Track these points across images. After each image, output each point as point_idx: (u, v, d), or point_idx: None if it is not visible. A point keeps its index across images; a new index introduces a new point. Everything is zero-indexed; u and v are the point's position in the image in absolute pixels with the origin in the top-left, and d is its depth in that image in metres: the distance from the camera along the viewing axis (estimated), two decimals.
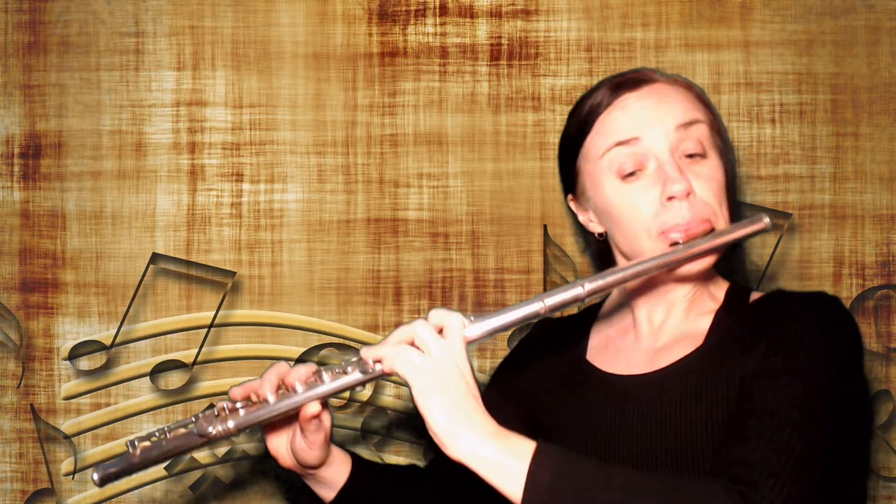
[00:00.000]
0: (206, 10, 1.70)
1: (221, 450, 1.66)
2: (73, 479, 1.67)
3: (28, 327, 1.68)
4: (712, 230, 1.21)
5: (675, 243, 1.20)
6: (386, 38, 1.69)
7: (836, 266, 1.65)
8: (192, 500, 1.67)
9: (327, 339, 1.67)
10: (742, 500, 1.00)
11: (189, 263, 1.68)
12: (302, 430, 1.20)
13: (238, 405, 1.16)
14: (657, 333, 1.28)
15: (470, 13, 1.69)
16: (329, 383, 1.14)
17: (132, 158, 1.69)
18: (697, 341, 1.23)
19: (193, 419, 1.15)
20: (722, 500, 1.00)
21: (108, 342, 1.67)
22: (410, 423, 1.67)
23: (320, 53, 1.70)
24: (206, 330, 1.67)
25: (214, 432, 1.14)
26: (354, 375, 1.13)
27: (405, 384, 1.07)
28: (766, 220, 1.22)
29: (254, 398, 1.17)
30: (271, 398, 1.15)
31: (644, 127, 1.23)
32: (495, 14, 1.68)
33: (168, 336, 1.68)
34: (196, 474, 1.66)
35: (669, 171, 1.20)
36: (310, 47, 1.70)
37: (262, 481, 1.67)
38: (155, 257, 1.68)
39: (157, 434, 1.15)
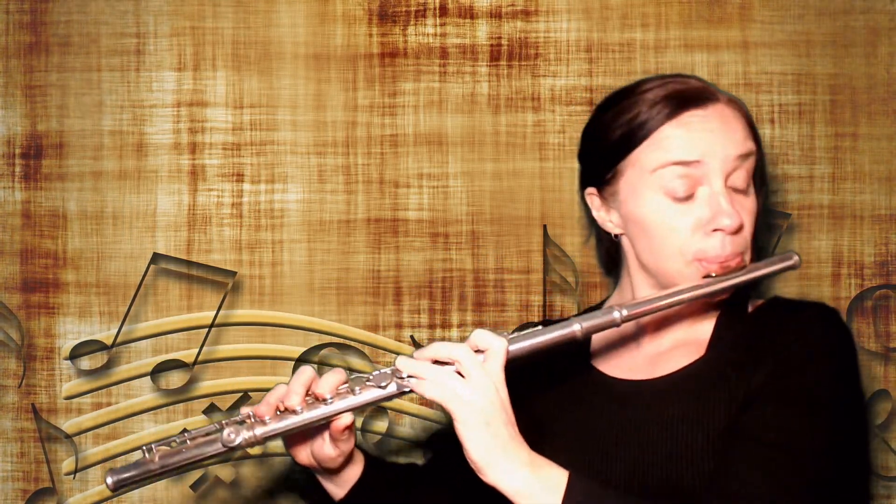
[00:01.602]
0: (207, 10, 1.70)
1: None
2: (74, 478, 1.67)
3: (29, 327, 1.69)
4: (744, 266, 1.21)
5: (709, 275, 1.19)
6: (386, 38, 1.70)
7: (834, 266, 1.66)
8: (193, 500, 1.67)
9: (328, 339, 1.67)
10: None
11: (190, 263, 1.69)
12: (332, 439, 1.18)
13: (266, 419, 1.12)
14: (658, 339, 1.28)
15: (470, 14, 1.69)
16: (361, 395, 1.12)
17: (133, 159, 1.70)
18: (699, 348, 1.23)
19: (217, 426, 1.11)
20: None
21: (108, 342, 1.67)
22: (410, 423, 1.68)
23: (321, 54, 1.70)
24: (207, 330, 1.67)
25: (240, 441, 1.09)
26: (390, 389, 1.11)
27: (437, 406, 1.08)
28: (796, 258, 1.24)
29: (280, 407, 1.14)
30: (300, 409, 1.12)
31: (706, 151, 1.19)
32: (495, 15, 1.69)
33: (169, 336, 1.68)
34: (197, 474, 1.66)
35: (723, 203, 1.18)
36: (310, 48, 1.70)
37: (263, 481, 1.68)
38: (156, 257, 1.68)
39: (177, 440, 1.10)
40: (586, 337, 1.17)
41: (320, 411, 1.12)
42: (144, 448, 1.10)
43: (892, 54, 1.66)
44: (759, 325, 1.21)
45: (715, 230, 1.19)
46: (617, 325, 1.17)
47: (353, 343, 1.67)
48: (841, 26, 1.66)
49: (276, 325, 1.68)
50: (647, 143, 1.22)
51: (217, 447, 1.11)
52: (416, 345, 1.67)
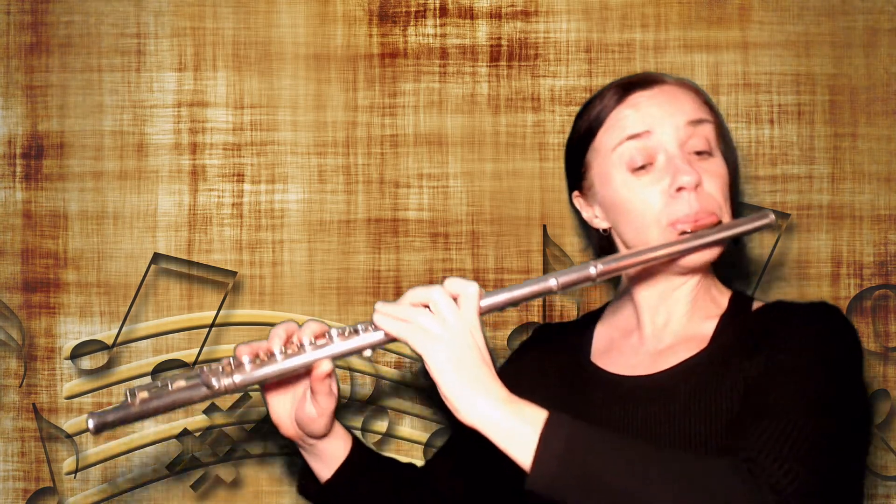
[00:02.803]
0: (208, 11, 1.71)
1: (223, 448, 1.66)
2: (74, 477, 1.67)
3: (30, 327, 1.69)
4: (719, 223, 1.24)
5: (684, 233, 1.23)
6: (386, 39, 1.70)
7: (834, 266, 1.66)
8: (194, 499, 1.67)
9: None
10: (751, 475, 1.01)
11: (190, 263, 1.69)
12: (313, 392, 1.18)
13: (245, 360, 1.12)
14: (660, 335, 1.29)
15: (470, 14, 1.70)
16: (339, 343, 1.12)
17: (134, 159, 1.70)
18: (701, 344, 1.24)
19: (198, 372, 1.11)
20: (729, 476, 1.01)
21: (109, 342, 1.68)
22: (410, 423, 1.68)
23: (321, 54, 1.70)
24: (208, 329, 1.68)
25: (219, 386, 1.10)
26: (367, 336, 1.11)
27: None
28: (772, 216, 1.27)
29: (261, 356, 1.15)
30: (279, 355, 1.12)
31: (655, 122, 1.26)
32: (495, 15, 1.69)
33: (169, 336, 1.69)
34: (197, 473, 1.67)
35: (679, 163, 1.24)
36: (310, 48, 1.70)
37: (263, 480, 1.68)
38: (156, 257, 1.68)
39: (158, 384, 1.11)
40: (562, 291, 1.16)
41: (299, 358, 1.13)
42: (127, 392, 1.10)
43: (892, 55, 1.66)
44: (760, 322, 1.22)
45: (678, 189, 1.23)
46: (592, 279, 1.17)
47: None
48: (840, 27, 1.67)
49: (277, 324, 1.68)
50: (604, 128, 1.30)
51: (197, 392, 1.11)
52: None
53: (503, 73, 1.69)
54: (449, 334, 1.07)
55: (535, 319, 1.67)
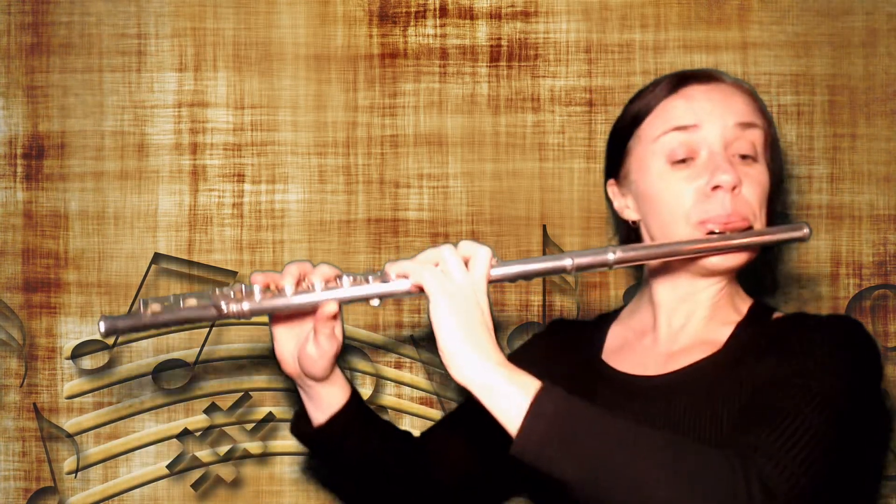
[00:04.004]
0: (208, 11, 1.71)
1: (223, 448, 1.67)
2: (75, 477, 1.67)
3: (31, 327, 1.69)
4: (750, 228, 1.21)
5: (712, 233, 1.20)
6: (386, 39, 1.70)
7: (833, 266, 1.66)
8: (194, 499, 1.68)
9: None
10: (742, 468, 0.99)
11: (191, 263, 1.69)
12: (316, 332, 1.18)
13: (256, 290, 1.14)
14: (675, 337, 1.28)
15: (470, 15, 1.70)
16: (349, 287, 1.13)
17: (134, 159, 1.70)
18: (714, 348, 1.23)
19: (210, 293, 1.13)
20: (720, 463, 1.00)
21: (110, 342, 1.68)
22: (411, 422, 1.68)
23: (321, 55, 1.71)
24: (208, 329, 1.68)
25: (227, 310, 1.12)
26: (375, 286, 1.12)
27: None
28: (806, 230, 1.22)
29: (273, 288, 1.16)
30: (289, 290, 1.14)
31: (704, 116, 1.23)
32: (495, 16, 1.69)
33: (170, 336, 1.69)
34: (198, 473, 1.67)
35: (720, 162, 1.21)
36: (311, 49, 1.71)
37: (263, 480, 1.68)
38: (157, 257, 1.69)
39: (170, 299, 1.13)
40: (576, 271, 1.15)
41: (308, 296, 1.14)
42: (141, 301, 1.12)
43: (891, 55, 1.66)
44: (777, 329, 1.21)
45: (714, 188, 1.20)
46: (608, 265, 1.16)
47: (353, 343, 1.68)
48: (840, 27, 1.67)
49: None
50: (652, 116, 1.27)
51: (206, 312, 1.13)
52: (417, 345, 1.68)
53: (503, 73, 1.69)
54: (455, 290, 1.07)
55: (535, 320, 1.67)
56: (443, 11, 1.70)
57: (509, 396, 1.03)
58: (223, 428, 1.67)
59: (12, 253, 1.70)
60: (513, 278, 1.13)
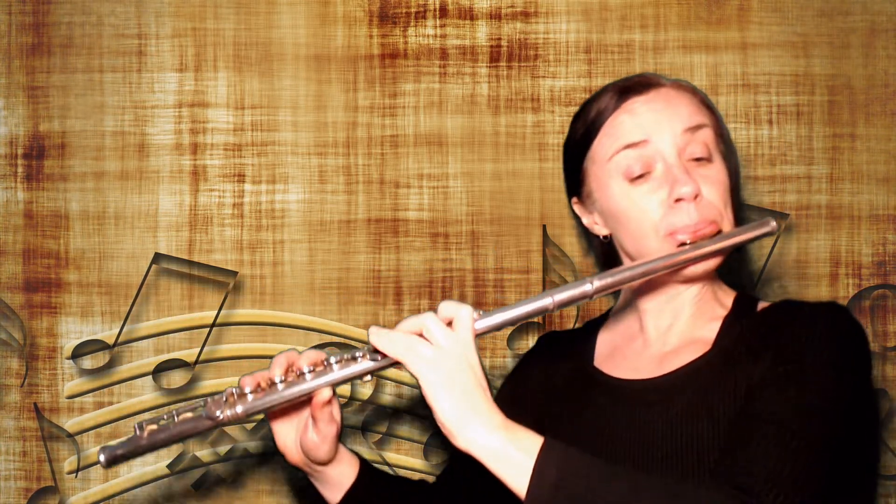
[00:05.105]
0: (209, 12, 1.71)
1: (224, 448, 1.67)
2: (76, 477, 1.68)
3: (31, 326, 1.69)
4: (719, 232, 1.22)
5: (683, 244, 1.21)
6: (386, 39, 1.70)
7: (832, 266, 1.66)
8: (195, 499, 1.68)
9: (328, 339, 1.68)
10: None
11: (191, 263, 1.70)
12: (314, 420, 1.19)
13: (247, 390, 1.16)
14: (664, 338, 1.28)
15: (469, 15, 1.70)
16: (338, 370, 1.14)
17: (135, 159, 1.71)
18: (706, 346, 1.23)
19: (202, 403, 1.16)
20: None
21: (110, 341, 1.68)
22: (410, 422, 1.68)
23: (321, 55, 1.71)
24: (208, 329, 1.68)
25: (223, 417, 1.14)
26: (364, 364, 1.13)
27: (412, 379, 1.08)
28: (773, 223, 1.24)
29: (263, 385, 1.17)
30: (280, 384, 1.15)
31: (652, 130, 1.24)
32: (495, 16, 1.70)
33: (170, 335, 1.69)
34: (198, 472, 1.67)
35: (678, 173, 1.22)
36: (311, 49, 1.71)
37: (264, 480, 1.68)
38: (157, 257, 1.69)
39: (165, 417, 1.16)
40: (558, 309, 1.16)
41: (299, 386, 1.15)
42: (136, 425, 1.16)
43: (890, 55, 1.67)
44: (765, 322, 1.21)
45: (677, 200, 1.21)
46: (589, 297, 1.16)
47: (353, 343, 1.68)
48: (839, 27, 1.67)
49: (277, 324, 1.69)
50: (601, 134, 1.28)
51: (202, 424, 1.16)
52: None
53: (503, 73, 1.69)
54: (443, 358, 1.07)
55: (535, 320, 1.67)
56: (443, 12, 1.70)
57: (513, 460, 1.04)
58: (223, 427, 1.67)
59: (13, 253, 1.70)
60: (498, 328, 1.14)
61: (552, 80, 1.69)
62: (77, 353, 1.68)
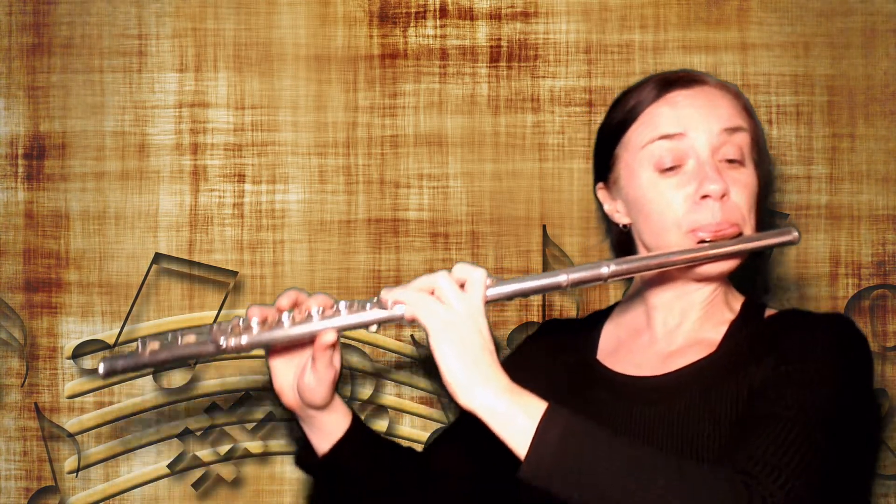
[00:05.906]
0: (209, 12, 1.71)
1: (224, 448, 1.67)
2: (76, 476, 1.68)
3: (32, 326, 1.70)
4: (740, 234, 1.22)
5: (702, 241, 1.21)
6: (386, 40, 1.71)
7: (832, 266, 1.66)
8: (195, 499, 1.68)
9: None
10: (745, 488, 1.01)
11: (191, 263, 1.70)
12: (314, 360, 1.18)
13: (254, 322, 1.14)
14: (671, 337, 1.28)
15: (469, 15, 1.70)
16: (346, 316, 1.13)
17: (135, 159, 1.71)
18: (710, 348, 1.24)
19: (208, 328, 1.14)
20: (726, 486, 1.01)
21: (111, 341, 1.68)
22: (411, 423, 1.69)
23: (321, 55, 1.71)
24: None
25: (226, 345, 1.12)
26: (373, 313, 1.12)
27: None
28: (795, 233, 1.22)
29: (270, 320, 1.16)
30: (286, 322, 1.14)
31: (690, 124, 1.23)
32: (495, 16, 1.70)
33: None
34: (198, 472, 1.67)
35: (708, 170, 1.21)
36: (311, 49, 1.71)
37: (264, 480, 1.68)
38: (158, 257, 1.69)
39: (168, 337, 1.14)
40: (571, 287, 1.15)
41: (306, 326, 1.14)
42: (139, 340, 1.13)
43: (890, 56, 1.67)
44: (771, 329, 1.21)
45: (703, 197, 1.21)
46: (603, 279, 1.16)
47: (353, 343, 1.68)
48: (839, 28, 1.67)
49: None
50: (638, 122, 1.27)
51: (205, 348, 1.13)
52: (417, 345, 1.68)
53: (503, 73, 1.70)
54: (453, 318, 1.07)
55: (535, 319, 1.68)
56: (443, 12, 1.70)
57: (516, 421, 1.04)
58: (224, 427, 1.68)
59: (13, 253, 1.70)
60: (509, 297, 1.13)
61: (552, 80, 1.69)
62: (77, 353, 1.68)
